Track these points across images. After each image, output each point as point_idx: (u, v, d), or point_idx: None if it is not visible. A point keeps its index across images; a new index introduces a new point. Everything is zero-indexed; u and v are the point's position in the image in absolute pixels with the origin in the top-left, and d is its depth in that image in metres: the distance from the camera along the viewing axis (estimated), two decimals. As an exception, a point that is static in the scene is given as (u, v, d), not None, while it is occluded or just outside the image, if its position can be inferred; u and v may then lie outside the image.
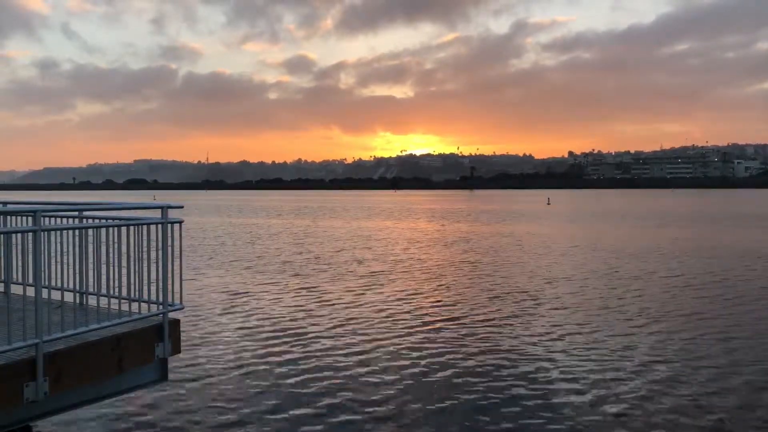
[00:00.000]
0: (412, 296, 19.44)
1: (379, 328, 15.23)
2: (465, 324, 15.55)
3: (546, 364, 12.06)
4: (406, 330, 14.97)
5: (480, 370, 11.82)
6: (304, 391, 10.83)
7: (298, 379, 11.44)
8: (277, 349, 13.44)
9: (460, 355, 12.81)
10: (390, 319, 16.16)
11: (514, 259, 28.79)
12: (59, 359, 5.40)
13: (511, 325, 15.45)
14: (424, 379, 11.38)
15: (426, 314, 16.73)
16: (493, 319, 16.00)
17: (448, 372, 11.72)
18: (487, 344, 13.64)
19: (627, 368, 11.84)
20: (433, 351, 13.11)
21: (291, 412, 9.88)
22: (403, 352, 12.99)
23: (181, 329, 6.98)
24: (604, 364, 12.10)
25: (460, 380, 11.17)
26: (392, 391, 10.69)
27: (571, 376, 11.37)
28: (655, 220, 57.77)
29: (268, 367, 12.24)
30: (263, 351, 13.34)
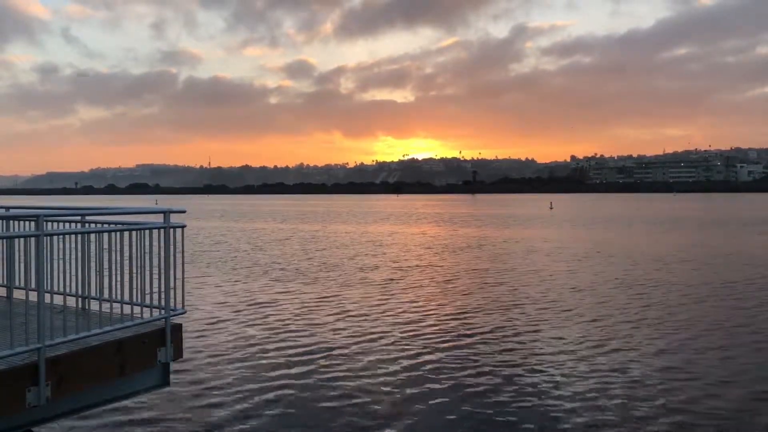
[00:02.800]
0: (430, 305, 18.84)
1: (393, 338, 14.80)
2: (489, 337, 14.86)
3: (580, 382, 11.41)
4: (424, 342, 14.49)
5: (511, 384, 11.32)
6: (310, 399, 10.80)
7: (303, 386, 11.40)
8: (282, 356, 13.38)
9: (484, 370, 12.21)
10: (406, 330, 15.59)
11: (531, 266, 28.16)
12: (61, 364, 5.40)
13: (536, 336, 14.86)
14: (442, 395, 11.18)
15: (444, 325, 16.14)
16: (519, 331, 15.36)
17: (470, 387, 11.23)
18: (516, 358, 13.07)
19: (666, 388, 11.16)
20: (452, 364, 12.64)
21: (294, 420, 9.86)
22: (420, 366, 12.51)
23: (184, 334, 6.98)
24: (641, 381, 11.48)
25: (489, 400, 10.62)
26: (406, 408, 10.52)
27: (607, 393, 10.84)
28: (665, 224, 57.19)
29: (271, 373, 12.21)
30: (267, 357, 13.32)
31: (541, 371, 12.13)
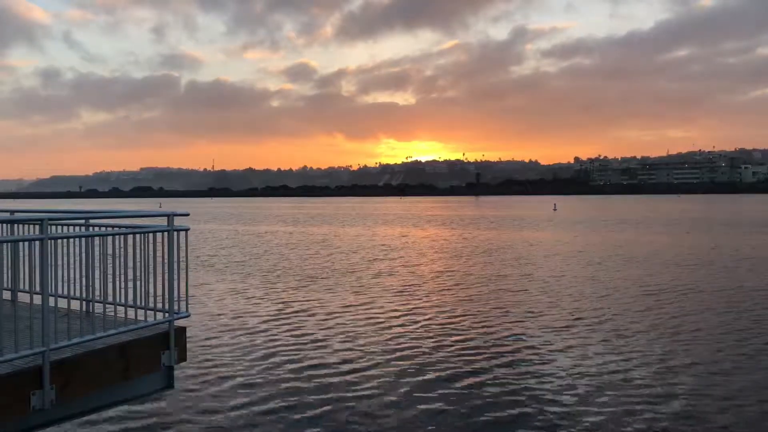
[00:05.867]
0: (450, 314, 17.85)
1: (415, 350, 14.23)
2: (521, 352, 13.81)
3: (619, 399, 10.68)
4: (439, 355, 14.01)
5: (553, 403, 10.52)
6: (313, 403, 10.78)
7: (305, 390, 11.37)
8: (288, 361, 13.33)
9: (519, 388, 11.33)
10: (426, 342, 14.92)
11: (550, 271, 27.03)
12: (66, 367, 5.39)
13: (569, 349, 13.95)
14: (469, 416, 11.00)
15: (465, 335, 15.40)
16: (552, 343, 14.42)
17: (506, 408, 10.46)
18: (554, 373, 12.16)
19: (707, 411, 10.21)
20: (479, 381, 11.80)
21: (296, 424, 9.84)
22: (430, 386, 11.70)
23: (190, 338, 6.97)
24: (683, 400, 10.61)
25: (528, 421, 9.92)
26: (411, 422, 10.50)
27: (647, 413, 10.08)
28: (675, 226, 56.40)
29: (274, 376, 12.20)
30: (272, 362, 13.29)
31: (576, 386, 11.53)
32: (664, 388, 11.31)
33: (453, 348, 14.17)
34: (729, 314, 17.67)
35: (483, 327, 16.36)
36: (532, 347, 14.20)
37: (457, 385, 11.57)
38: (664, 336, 15.21)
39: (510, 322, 16.73)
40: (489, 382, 11.77)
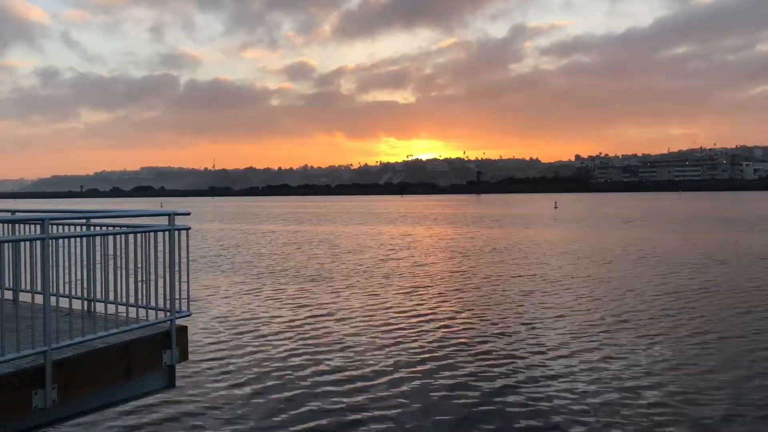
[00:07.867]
0: (464, 319, 17.08)
1: (413, 348, 14.10)
2: (534, 354, 13.29)
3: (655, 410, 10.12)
4: (446, 358, 13.82)
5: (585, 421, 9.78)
6: (315, 403, 10.77)
7: (308, 390, 11.35)
8: (287, 359, 13.33)
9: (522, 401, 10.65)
10: (432, 343, 14.66)
11: (561, 271, 26.27)
12: (67, 367, 5.40)
13: (596, 357, 13.16)
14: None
15: (474, 337, 15.04)
16: (579, 351, 13.70)
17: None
18: (585, 383, 11.49)
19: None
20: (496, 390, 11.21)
21: (298, 423, 9.84)
22: (444, 386, 11.50)
23: (193, 337, 6.98)
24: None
25: None
26: (402, 416, 10.50)
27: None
28: (680, 224, 55.70)
29: (277, 376, 12.20)
30: (273, 360, 13.30)
31: (593, 388, 11.24)
32: (683, 389, 11.16)
33: (464, 349, 14.05)
34: (750, 315, 17.18)
35: (496, 329, 16.13)
36: (551, 350, 13.87)
37: (469, 385, 11.54)
38: (684, 337, 14.87)
39: (526, 324, 16.46)
40: (501, 383, 11.69)
